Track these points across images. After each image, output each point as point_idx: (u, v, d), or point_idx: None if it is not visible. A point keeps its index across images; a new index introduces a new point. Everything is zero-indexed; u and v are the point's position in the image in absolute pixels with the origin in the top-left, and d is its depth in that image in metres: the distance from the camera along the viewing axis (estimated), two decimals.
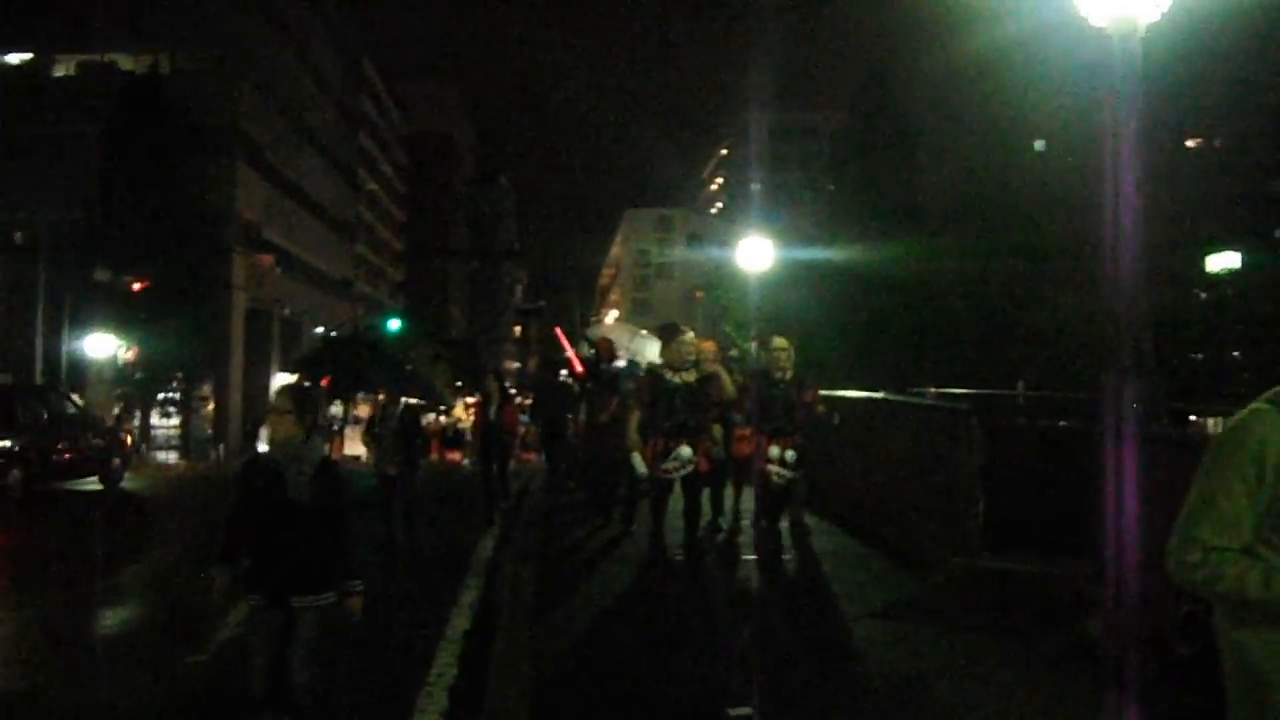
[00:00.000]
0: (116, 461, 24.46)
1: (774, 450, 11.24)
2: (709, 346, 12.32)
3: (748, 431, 11.93)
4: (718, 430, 12.03)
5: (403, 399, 15.35)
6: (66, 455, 22.25)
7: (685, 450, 10.50)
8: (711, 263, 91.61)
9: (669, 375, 10.68)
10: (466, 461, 19.44)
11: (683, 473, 10.60)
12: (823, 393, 13.51)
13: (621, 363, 17.68)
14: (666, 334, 11.44)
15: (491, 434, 16.69)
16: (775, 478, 11.23)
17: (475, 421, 19.47)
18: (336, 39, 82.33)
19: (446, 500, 19.97)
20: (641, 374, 13.10)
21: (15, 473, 19.81)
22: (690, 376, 10.77)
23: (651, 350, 21.02)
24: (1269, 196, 72.85)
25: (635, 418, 10.79)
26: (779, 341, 11.80)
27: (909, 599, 9.70)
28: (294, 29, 68.82)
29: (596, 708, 6.55)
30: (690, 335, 11.08)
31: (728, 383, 11.51)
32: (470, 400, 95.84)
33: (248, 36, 59.06)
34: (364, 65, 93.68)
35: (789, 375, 11.53)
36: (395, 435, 13.97)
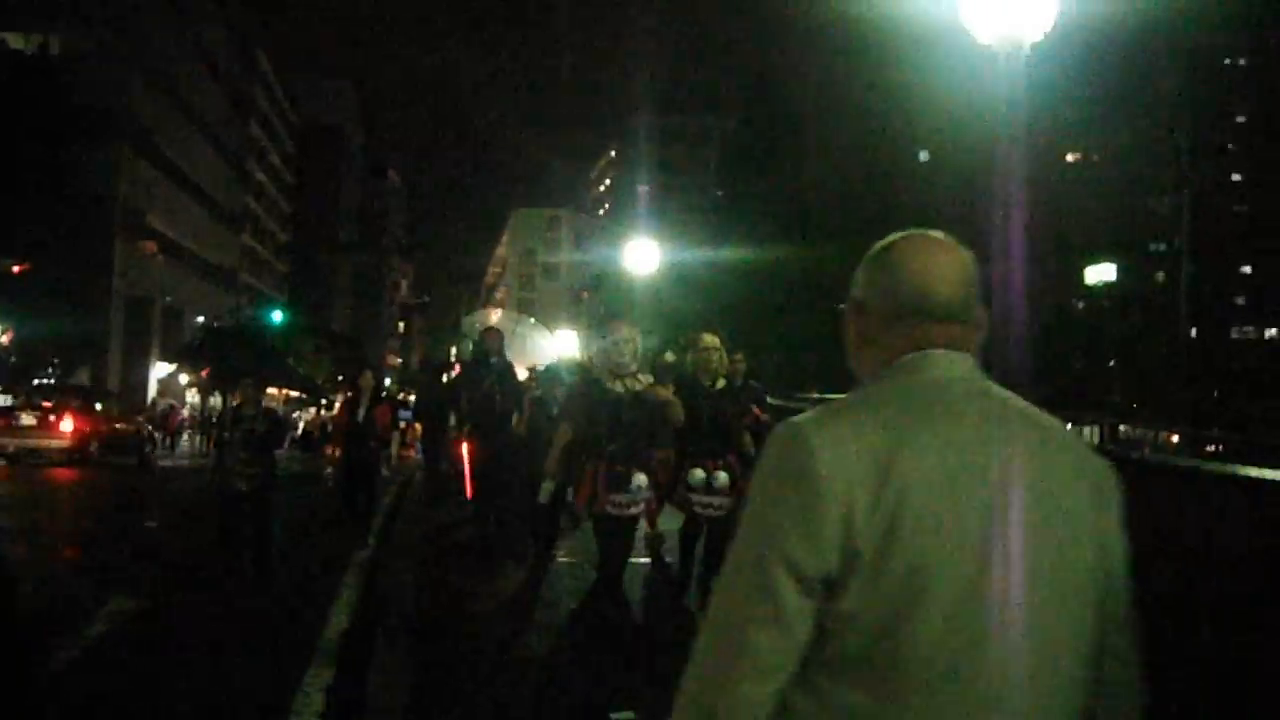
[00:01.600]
0: None
1: (698, 474, 8.92)
2: (712, 340, 9.69)
3: (665, 454, 9.12)
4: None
5: (260, 399, 12.13)
6: None
7: (641, 478, 8.05)
8: (598, 264, 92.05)
9: (609, 383, 8.17)
10: (328, 470, 16.41)
11: (636, 510, 8.13)
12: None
13: (526, 363, 16.38)
14: (608, 330, 8.92)
15: (356, 438, 13.99)
16: (699, 508, 8.95)
17: (339, 420, 15.09)
18: (230, 26, 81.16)
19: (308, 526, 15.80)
20: (570, 378, 11.13)
21: None
22: (635, 384, 8.30)
23: (543, 342, 20.87)
24: (1145, 211, 74.92)
25: (563, 437, 8.44)
26: (708, 339, 9.48)
27: None
28: (187, 15, 67.71)
29: (479, 711, 6.42)
30: (627, 332, 8.55)
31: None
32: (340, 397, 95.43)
33: (140, 20, 58.04)
34: (257, 55, 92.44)
35: (720, 382, 9.34)
36: (250, 442, 11.01)
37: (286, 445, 55.11)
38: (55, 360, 50.10)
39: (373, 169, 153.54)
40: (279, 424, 12.05)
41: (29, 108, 46.62)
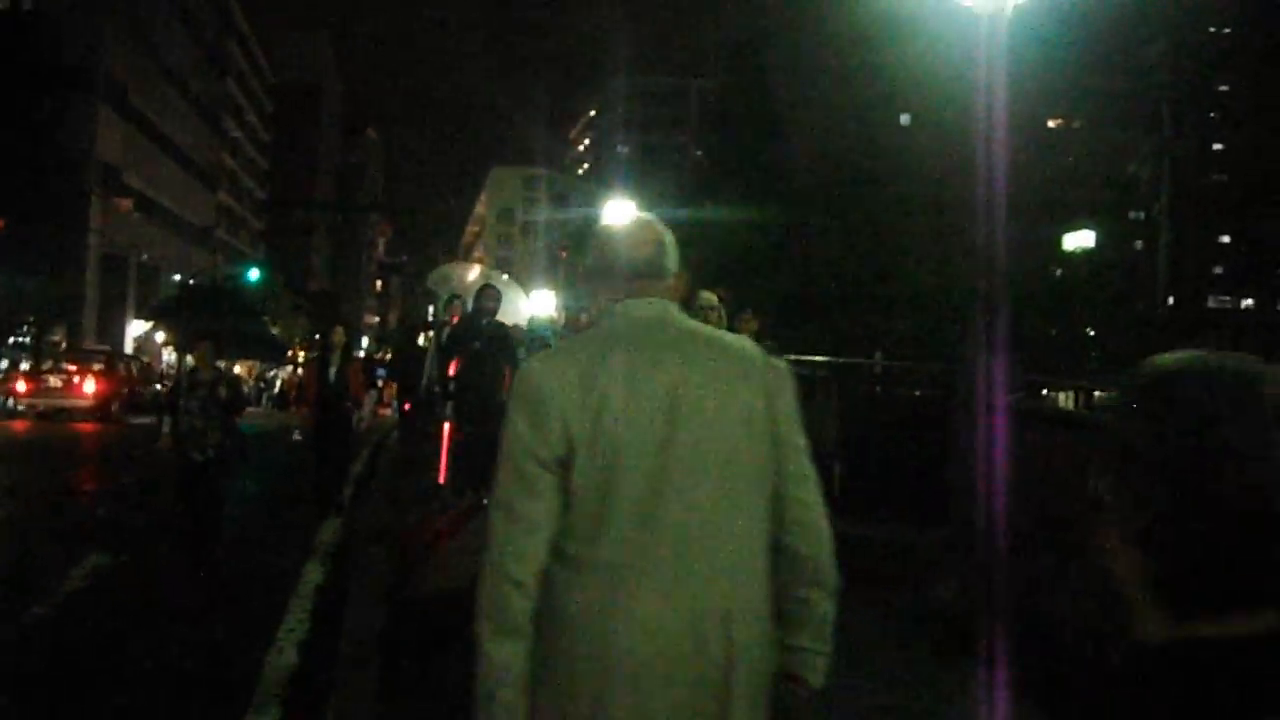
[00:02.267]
0: None
1: None
2: (710, 298, 9.15)
3: None
4: None
5: (217, 361, 10.98)
6: None
7: None
8: (577, 224, 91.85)
9: None
10: (297, 434, 14.84)
11: None
12: None
13: (521, 320, 15.03)
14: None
15: (329, 401, 12.67)
16: None
17: (308, 379, 13.80)
18: None
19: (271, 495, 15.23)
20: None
21: None
22: None
23: (520, 301, 20.65)
24: (1125, 178, 75.08)
25: None
26: (706, 297, 8.79)
27: None
28: None
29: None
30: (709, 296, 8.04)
31: None
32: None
33: None
34: (233, 10, 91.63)
35: None
36: (208, 408, 10.02)
37: (265, 404, 55.15)
38: (31, 319, 49.80)
39: (350, 127, 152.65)
40: (238, 388, 10.86)
41: (2, 63, 46.20)
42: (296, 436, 13.60)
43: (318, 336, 75.69)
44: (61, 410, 31.12)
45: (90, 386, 32.21)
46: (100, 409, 31.27)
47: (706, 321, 8.25)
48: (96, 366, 34.01)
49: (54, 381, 32.80)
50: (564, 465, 2.65)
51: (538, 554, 2.64)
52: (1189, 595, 2.77)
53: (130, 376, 37.71)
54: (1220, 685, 2.81)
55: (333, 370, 12.70)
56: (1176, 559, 2.74)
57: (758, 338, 10.30)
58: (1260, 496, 2.78)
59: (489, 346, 11.69)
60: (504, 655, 2.65)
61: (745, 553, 2.72)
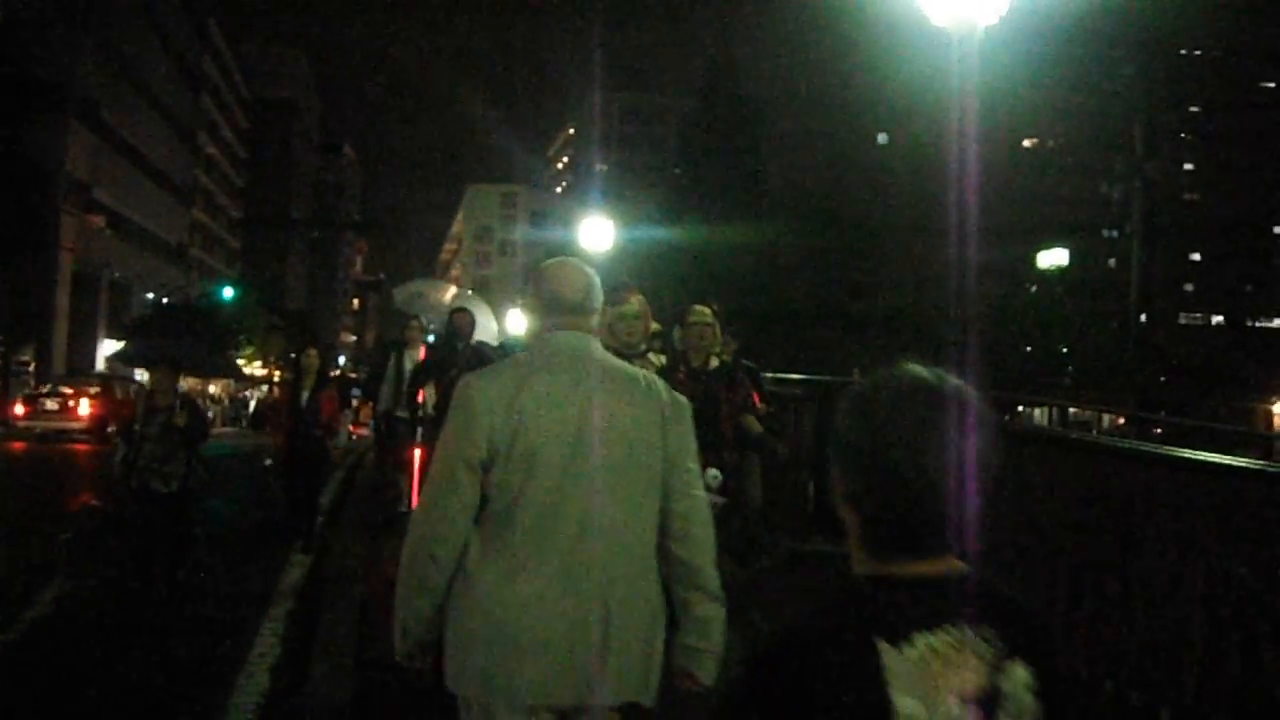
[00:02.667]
0: None
1: None
2: (704, 314, 8.24)
3: None
4: None
5: (176, 385, 9.87)
6: None
7: (713, 473, 6.73)
8: (555, 241, 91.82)
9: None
10: (268, 460, 13.56)
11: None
12: None
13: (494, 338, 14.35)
14: (611, 298, 6.91)
15: (300, 428, 11.87)
16: None
17: (280, 404, 13.16)
18: None
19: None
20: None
21: None
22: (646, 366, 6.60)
23: (485, 321, 20.25)
24: (1098, 197, 75.50)
25: None
26: (700, 312, 8.12)
27: (730, 583, 9.28)
28: None
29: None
30: (637, 305, 7.29)
31: None
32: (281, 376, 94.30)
33: None
34: (209, 25, 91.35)
35: (713, 362, 8.02)
36: (167, 436, 9.17)
37: (240, 424, 54.68)
38: (0, 337, 49.48)
39: (327, 144, 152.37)
40: (199, 414, 9.91)
41: None
42: (268, 462, 12.78)
43: (292, 356, 75.98)
44: (60, 432, 32.71)
45: (85, 409, 33.53)
46: (96, 431, 32.27)
47: (701, 340, 7.97)
48: (92, 390, 35.37)
49: (50, 404, 34.30)
50: (485, 468, 3.25)
51: (455, 539, 3.26)
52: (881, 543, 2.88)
53: (126, 399, 37.85)
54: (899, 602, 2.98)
55: (305, 395, 11.87)
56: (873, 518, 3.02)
57: (740, 356, 9.89)
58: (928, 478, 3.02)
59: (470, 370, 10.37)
60: (417, 605, 3.32)
61: (633, 551, 3.32)
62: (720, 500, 7.01)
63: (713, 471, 7.14)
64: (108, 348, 61.23)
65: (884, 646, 2.01)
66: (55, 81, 53.28)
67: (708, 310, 8.14)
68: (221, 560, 11.20)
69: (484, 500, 3.27)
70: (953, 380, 2.33)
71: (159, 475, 9.08)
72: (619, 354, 6.36)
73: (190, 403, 9.79)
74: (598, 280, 3.53)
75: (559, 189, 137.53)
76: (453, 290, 19.57)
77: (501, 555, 3.24)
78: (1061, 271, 55.61)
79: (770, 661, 2.09)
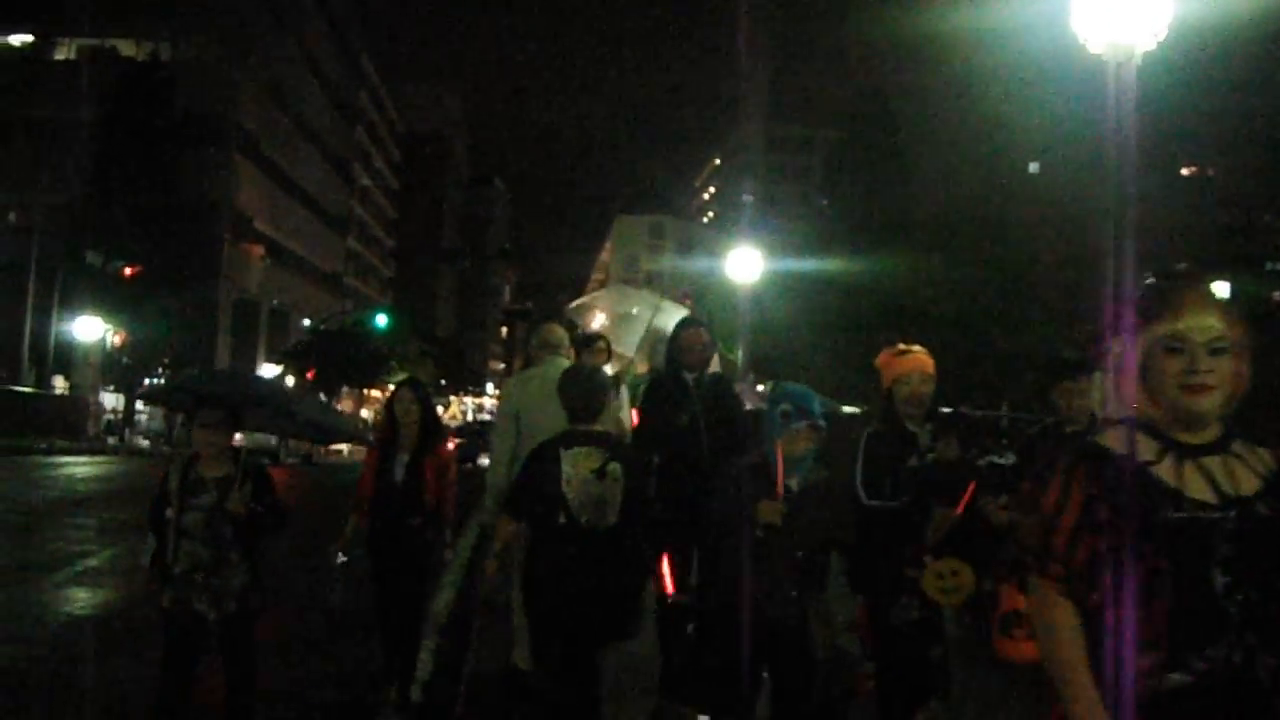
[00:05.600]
0: None
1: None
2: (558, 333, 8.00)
3: None
4: None
5: (236, 448, 6.28)
6: None
7: (956, 569, 5.64)
8: (701, 272, 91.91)
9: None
10: (340, 555, 7.71)
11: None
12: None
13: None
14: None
15: (390, 515, 7.58)
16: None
17: (363, 485, 7.88)
18: (336, 34, 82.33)
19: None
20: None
21: None
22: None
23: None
24: (1261, 227, 73.23)
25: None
26: (559, 334, 8.02)
27: None
28: (294, 22, 68.79)
29: None
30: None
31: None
32: (454, 400, 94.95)
33: (248, 27, 59.11)
34: (363, 61, 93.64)
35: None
36: (217, 528, 5.95)
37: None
38: (166, 361, 51.10)
39: (477, 177, 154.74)
40: (270, 492, 6.17)
41: (140, 115, 47.72)
42: (340, 559, 7.71)
43: (443, 382, 75.40)
44: None
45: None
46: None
47: (595, 356, 8.37)
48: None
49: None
50: (516, 423, 7.13)
51: (509, 463, 6.83)
52: (572, 417, 6.09)
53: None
54: (572, 436, 5.87)
55: (401, 465, 7.66)
56: (571, 409, 6.01)
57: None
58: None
59: (708, 418, 7.21)
60: (507, 526, 5.79)
61: None
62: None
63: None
64: (266, 372, 63.00)
65: (563, 452, 5.58)
66: (218, 117, 55.15)
67: (559, 328, 8.29)
68: None
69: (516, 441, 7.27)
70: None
71: (207, 592, 5.92)
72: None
73: (258, 471, 6.21)
74: (563, 332, 7.93)
75: (705, 219, 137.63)
76: (648, 300, 11.07)
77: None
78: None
79: (532, 458, 5.79)
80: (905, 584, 5.73)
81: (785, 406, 5.49)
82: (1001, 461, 6.82)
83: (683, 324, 7.78)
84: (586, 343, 8.95)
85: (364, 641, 8.39)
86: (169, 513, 5.96)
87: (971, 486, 5.82)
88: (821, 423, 5.57)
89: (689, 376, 7.34)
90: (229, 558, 5.95)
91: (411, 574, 7.67)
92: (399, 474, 7.60)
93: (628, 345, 9.99)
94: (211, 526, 5.92)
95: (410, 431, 7.69)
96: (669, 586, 6.92)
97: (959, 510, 5.74)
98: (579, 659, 5.71)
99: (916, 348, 6.26)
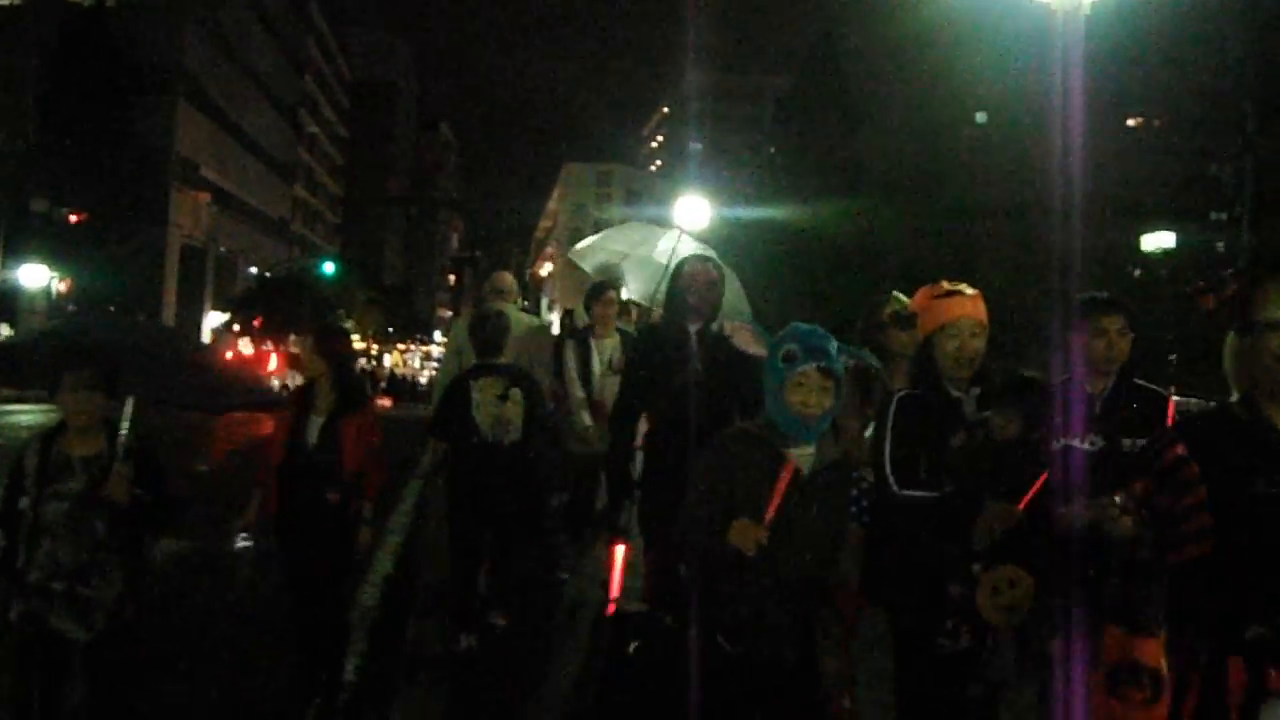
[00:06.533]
0: None
1: None
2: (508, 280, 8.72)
3: None
4: None
5: (117, 418, 4.82)
6: None
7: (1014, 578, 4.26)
8: (649, 220, 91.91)
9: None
10: (240, 540, 6.09)
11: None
12: None
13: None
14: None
15: (303, 485, 6.19)
16: None
17: (273, 445, 6.34)
18: None
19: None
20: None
21: None
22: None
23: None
24: (1206, 178, 74.00)
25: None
26: (509, 280, 8.90)
27: None
28: None
29: None
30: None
31: None
32: (401, 347, 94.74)
33: None
34: (310, 8, 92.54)
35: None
36: (94, 519, 4.72)
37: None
38: (112, 309, 50.67)
39: (424, 123, 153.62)
40: (157, 472, 4.98)
41: (85, 61, 47.10)
42: (241, 542, 6.29)
43: (391, 330, 74.73)
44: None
45: None
46: None
47: (606, 307, 8.22)
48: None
49: None
50: (459, 358, 7.84)
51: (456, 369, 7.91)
52: (481, 351, 7.12)
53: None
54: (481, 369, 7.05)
55: (315, 428, 6.27)
56: (480, 347, 7.23)
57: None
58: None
59: (710, 374, 5.82)
60: (438, 445, 7.41)
61: None
62: None
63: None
64: (213, 319, 62.62)
65: (472, 382, 6.89)
66: (163, 64, 54.47)
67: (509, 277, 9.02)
68: None
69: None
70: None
71: (66, 606, 4.68)
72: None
73: (143, 448, 4.90)
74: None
75: (654, 167, 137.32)
76: (665, 234, 9.26)
77: None
78: (1167, 254, 54.55)
79: (450, 388, 7.15)
80: (950, 603, 4.37)
81: (791, 347, 4.09)
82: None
83: (687, 259, 6.42)
84: (596, 293, 8.37)
85: (275, 651, 6.61)
86: (23, 502, 4.69)
87: (1043, 478, 4.32)
88: (840, 368, 4.07)
89: (692, 326, 5.89)
90: (101, 561, 4.70)
91: (328, 560, 6.23)
92: (312, 438, 6.23)
93: (645, 293, 8.64)
94: (78, 520, 4.68)
95: (323, 388, 6.33)
96: (615, 588, 6.05)
97: (1021, 506, 4.29)
98: (493, 556, 7.02)
99: (965, 287, 4.92)
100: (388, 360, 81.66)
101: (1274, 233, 65.02)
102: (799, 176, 47.97)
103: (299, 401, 6.39)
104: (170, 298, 58.24)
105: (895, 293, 5.66)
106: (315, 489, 6.12)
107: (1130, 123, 72.88)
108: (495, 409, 6.73)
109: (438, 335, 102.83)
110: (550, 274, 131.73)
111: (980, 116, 61.91)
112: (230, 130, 68.36)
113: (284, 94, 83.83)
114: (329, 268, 66.65)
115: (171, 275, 58.34)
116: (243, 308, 60.91)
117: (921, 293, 4.98)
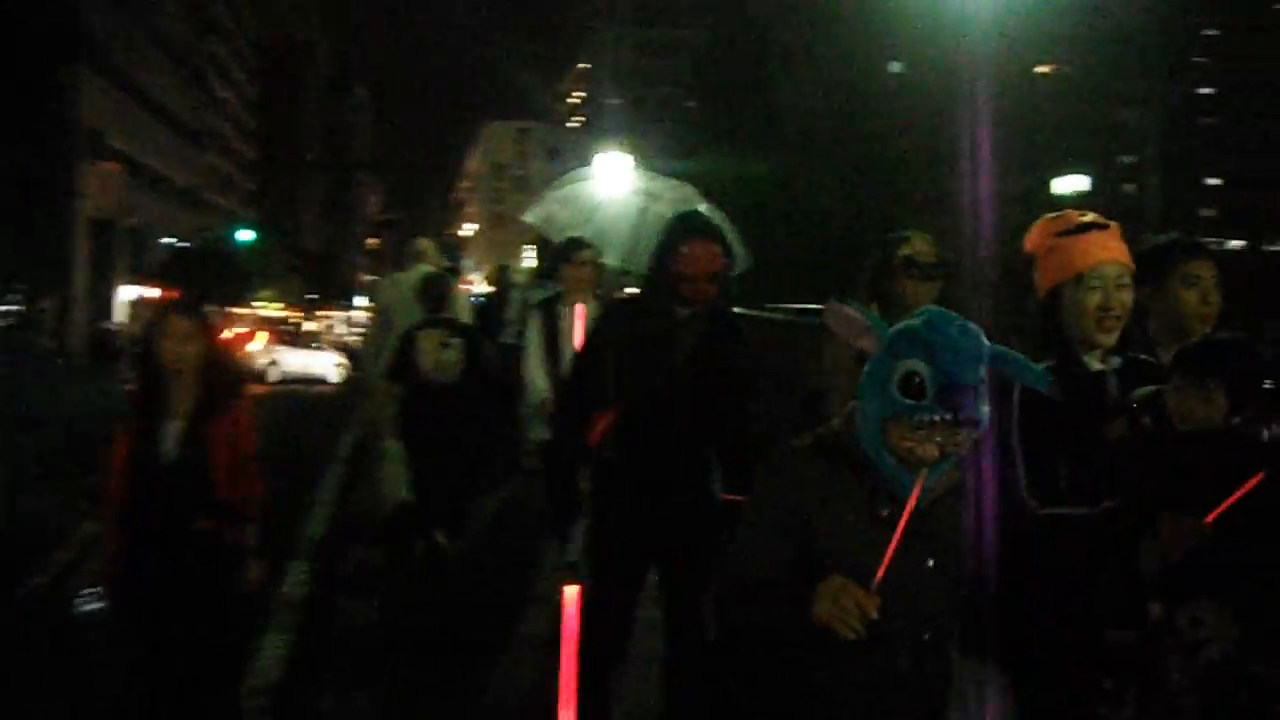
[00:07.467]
0: None
1: None
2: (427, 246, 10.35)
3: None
4: None
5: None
6: None
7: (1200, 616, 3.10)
8: (571, 177, 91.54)
9: None
10: (85, 598, 4.64)
11: None
12: None
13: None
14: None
15: (161, 516, 4.73)
16: None
17: (113, 474, 4.75)
18: None
19: None
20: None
21: None
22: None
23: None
24: (1115, 123, 74.88)
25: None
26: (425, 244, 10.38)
27: None
28: None
29: None
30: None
31: None
32: (324, 314, 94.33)
33: None
34: None
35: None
36: None
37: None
38: (22, 286, 49.71)
39: (339, 84, 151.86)
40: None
41: None
42: (88, 604, 4.80)
43: (313, 298, 73.93)
44: None
45: None
46: None
47: (578, 268, 6.98)
48: None
49: None
50: (385, 314, 9.34)
51: (379, 348, 8.79)
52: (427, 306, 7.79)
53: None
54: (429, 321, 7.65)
55: (171, 438, 4.84)
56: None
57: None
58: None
59: (702, 367, 4.82)
60: (390, 388, 7.82)
61: None
62: None
63: None
64: (127, 293, 61.59)
65: (418, 333, 7.46)
66: (65, 30, 53.22)
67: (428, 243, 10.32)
68: None
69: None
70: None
71: None
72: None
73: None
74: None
75: (573, 123, 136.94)
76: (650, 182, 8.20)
77: None
78: (1080, 198, 55.33)
79: (401, 339, 7.56)
80: (1111, 656, 3.20)
81: (917, 367, 2.59)
82: None
83: (685, 231, 4.85)
84: (567, 253, 7.18)
85: None
86: None
87: (1256, 479, 3.06)
88: (982, 419, 2.62)
89: (683, 313, 4.75)
90: None
91: (198, 615, 4.72)
92: (170, 451, 4.78)
93: (612, 250, 7.25)
94: None
95: (184, 384, 4.83)
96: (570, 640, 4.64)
97: (1210, 519, 3.05)
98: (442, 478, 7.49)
99: (1099, 217, 3.91)
100: (310, 328, 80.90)
101: (1180, 174, 65.85)
102: (718, 131, 48.03)
103: (144, 405, 4.87)
104: (81, 272, 57.12)
105: (912, 230, 4.71)
106: (177, 518, 4.71)
107: (1041, 70, 73.60)
108: (437, 354, 7.50)
109: (358, 300, 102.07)
110: (475, 234, 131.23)
111: (895, 66, 62.07)
112: (136, 96, 67.02)
113: (191, 57, 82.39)
114: (245, 235, 65.83)
115: (81, 249, 57.20)
116: (157, 280, 59.94)
117: (1040, 228, 3.94)
